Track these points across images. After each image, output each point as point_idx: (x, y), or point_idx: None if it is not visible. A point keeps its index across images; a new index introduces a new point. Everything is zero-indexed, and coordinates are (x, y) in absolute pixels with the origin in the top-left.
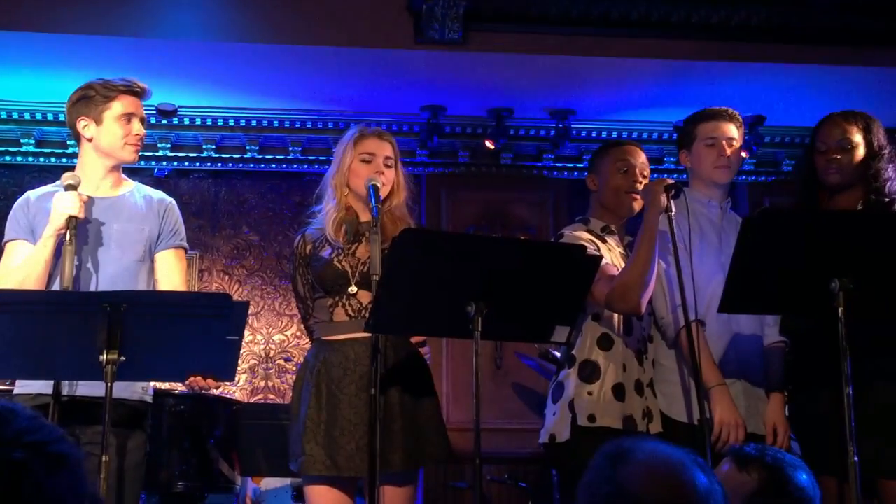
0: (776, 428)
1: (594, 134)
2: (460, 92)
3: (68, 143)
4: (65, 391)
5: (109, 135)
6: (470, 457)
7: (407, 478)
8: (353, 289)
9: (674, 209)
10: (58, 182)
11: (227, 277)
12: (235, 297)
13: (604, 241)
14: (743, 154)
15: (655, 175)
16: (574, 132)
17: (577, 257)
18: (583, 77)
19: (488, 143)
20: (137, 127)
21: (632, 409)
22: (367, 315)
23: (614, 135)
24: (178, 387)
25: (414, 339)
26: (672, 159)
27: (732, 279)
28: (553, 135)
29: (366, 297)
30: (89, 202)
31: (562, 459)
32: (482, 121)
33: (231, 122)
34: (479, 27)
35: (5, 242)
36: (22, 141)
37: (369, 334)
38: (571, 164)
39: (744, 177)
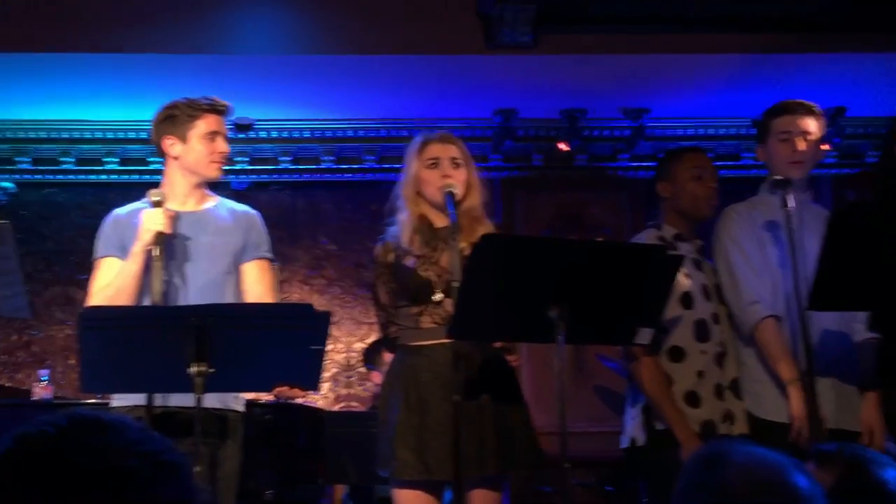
0: (872, 429)
1: (669, 132)
2: (532, 95)
3: (149, 160)
4: (158, 403)
5: (195, 153)
6: (555, 461)
7: (497, 482)
8: (438, 297)
9: (792, 203)
10: (145, 199)
11: (306, 287)
12: (316, 307)
13: (675, 249)
14: (824, 147)
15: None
16: (649, 131)
17: (658, 257)
18: (657, 75)
19: (562, 146)
20: (221, 144)
21: (710, 414)
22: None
23: (690, 132)
24: (264, 396)
25: (498, 344)
26: (750, 155)
27: (821, 276)
28: (628, 134)
29: (452, 305)
30: (176, 217)
31: (643, 464)
32: (555, 123)
33: (307, 134)
34: (549, 29)
35: (96, 259)
36: (105, 160)
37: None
38: (647, 164)
39: (826, 169)
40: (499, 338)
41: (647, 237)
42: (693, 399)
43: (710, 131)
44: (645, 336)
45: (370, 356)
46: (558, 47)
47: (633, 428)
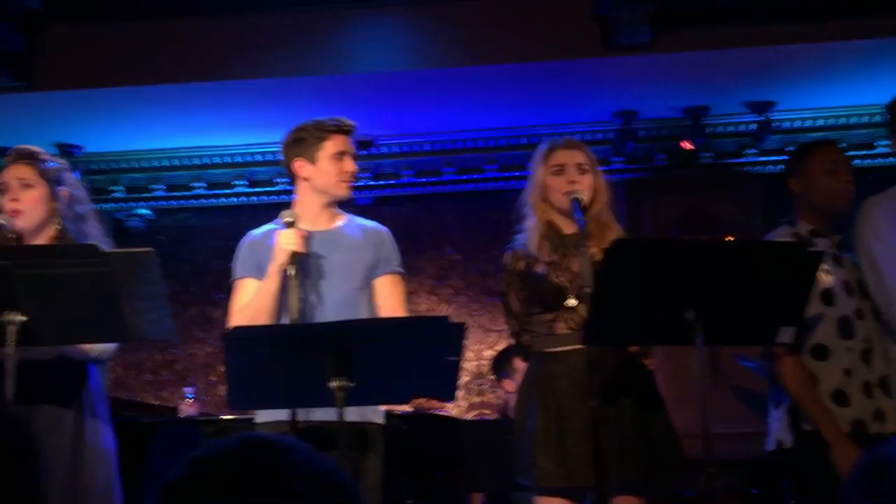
0: None
1: (797, 124)
2: (652, 94)
3: (276, 181)
4: (301, 418)
5: (324, 173)
6: (697, 464)
7: (640, 487)
8: (571, 302)
9: None
10: (278, 220)
11: (433, 298)
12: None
13: (812, 245)
14: None
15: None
16: (776, 124)
17: (798, 254)
18: (782, 66)
19: (685, 144)
20: (349, 164)
21: (860, 413)
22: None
23: (820, 122)
24: (400, 407)
25: (633, 348)
26: (885, 143)
27: None
28: (754, 129)
29: (585, 310)
30: (309, 237)
31: (790, 466)
32: (677, 122)
33: (427, 147)
34: (668, 27)
35: (235, 280)
36: (234, 182)
37: None
38: (775, 158)
39: None
40: (635, 342)
41: (781, 235)
42: (841, 398)
43: (841, 121)
44: (787, 335)
45: (500, 364)
46: (678, 45)
47: (778, 430)
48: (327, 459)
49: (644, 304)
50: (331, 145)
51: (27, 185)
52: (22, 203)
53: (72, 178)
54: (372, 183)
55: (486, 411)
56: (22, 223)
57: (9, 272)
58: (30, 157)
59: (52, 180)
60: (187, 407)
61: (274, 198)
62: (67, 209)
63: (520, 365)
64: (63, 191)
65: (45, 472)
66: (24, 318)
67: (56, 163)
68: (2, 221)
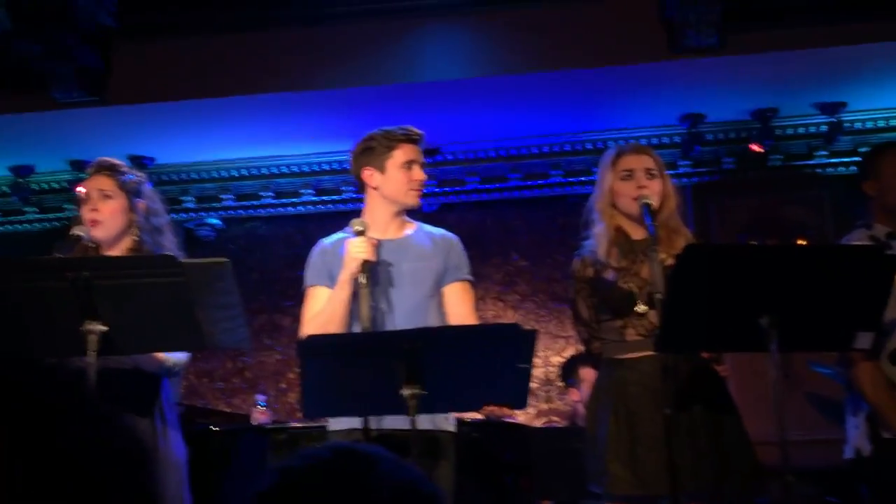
0: None
1: (869, 125)
2: (720, 97)
3: (342, 189)
4: (373, 425)
5: (393, 182)
6: (772, 471)
7: (714, 495)
8: (641, 308)
9: None
10: (348, 228)
11: (500, 304)
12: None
13: (889, 248)
14: None
15: None
16: (847, 125)
17: (874, 258)
18: (852, 66)
19: (754, 147)
20: (418, 172)
21: None
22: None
23: (892, 123)
24: (470, 414)
25: (706, 354)
26: None
27: None
28: (824, 130)
29: (656, 317)
30: (379, 245)
31: (869, 474)
32: (745, 124)
33: (492, 154)
34: (735, 29)
35: (306, 288)
36: (302, 191)
37: None
38: (847, 160)
39: None
40: (707, 348)
41: (857, 237)
42: None
43: None
44: (865, 340)
45: (568, 372)
46: (745, 46)
47: (856, 437)
48: (416, 469)
49: (717, 310)
50: (400, 154)
51: (106, 196)
52: (101, 213)
53: (150, 190)
54: (437, 190)
55: (555, 418)
56: (100, 233)
57: (89, 283)
58: (110, 169)
59: (131, 192)
60: (259, 415)
61: (341, 206)
62: (144, 221)
63: (585, 374)
64: (141, 203)
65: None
66: (103, 328)
67: (135, 175)
68: (80, 233)
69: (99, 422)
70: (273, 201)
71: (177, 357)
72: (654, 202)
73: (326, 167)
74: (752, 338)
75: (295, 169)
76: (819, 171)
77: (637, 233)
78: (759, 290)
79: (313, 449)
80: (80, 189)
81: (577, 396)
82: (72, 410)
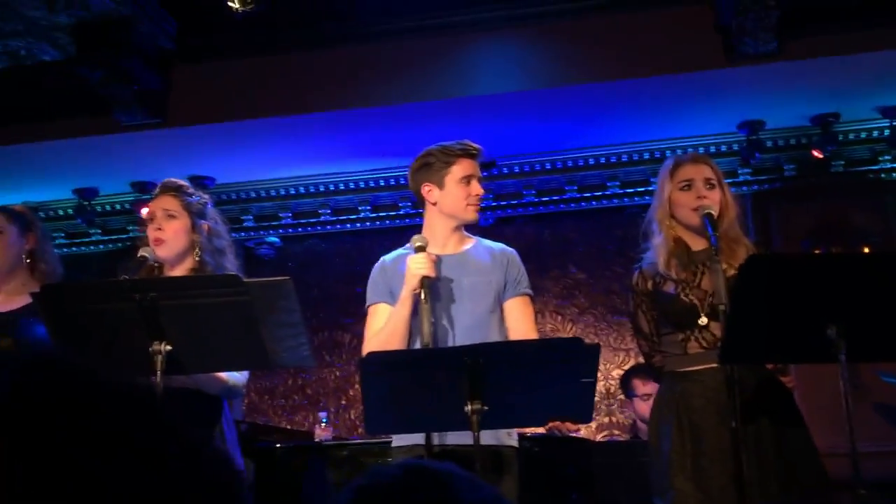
0: None
1: None
2: (779, 103)
3: (400, 205)
4: (436, 441)
5: (452, 197)
6: (841, 484)
7: None
8: (703, 321)
9: None
10: (408, 245)
11: (559, 318)
12: (585, 341)
13: None
14: None
15: None
16: None
17: None
18: None
19: (815, 153)
20: (476, 187)
21: None
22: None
23: None
24: (532, 429)
25: (770, 366)
26: None
27: None
28: (888, 135)
29: (718, 328)
30: (438, 261)
31: None
32: (805, 130)
33: (548, 166)
34: (794, 34)
35: (368, 306)
36: (359, 208)
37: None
38: None
39: None
40: (773, 360)
41: None
42: None
43: None
44: None
45: (626, 384)
46: (805, 51)
47: None
48: (490, 487)
49: (782, 321)
50: (458, 170)
51: (171, 216)
52: (165, 233)
53: (214, 212)
54: (493, 204)
55: (616, 432)
56: (163, 252)
57: (156, 303)
58: (176, 190)
59: (195, 213)
60: (322, 431)
61: (398, 222)
62: (207, 242)
63: (640, 386)
64: (204, 224)
65: None
66: (169, 348)
67: (200, 196)
68: (145, 254)
69: (200, 454)
70: (331, 218)
71: (236, 378)
72: (716, 212)
73: (383, 183)
74: (820, 348)
75: (352, 185)
76: (883, 176)
77: (697, 244)
78: (826, 299)
79: (384, 467)
80: (145, 209)
81: (640, 408)
82: (169, 442)
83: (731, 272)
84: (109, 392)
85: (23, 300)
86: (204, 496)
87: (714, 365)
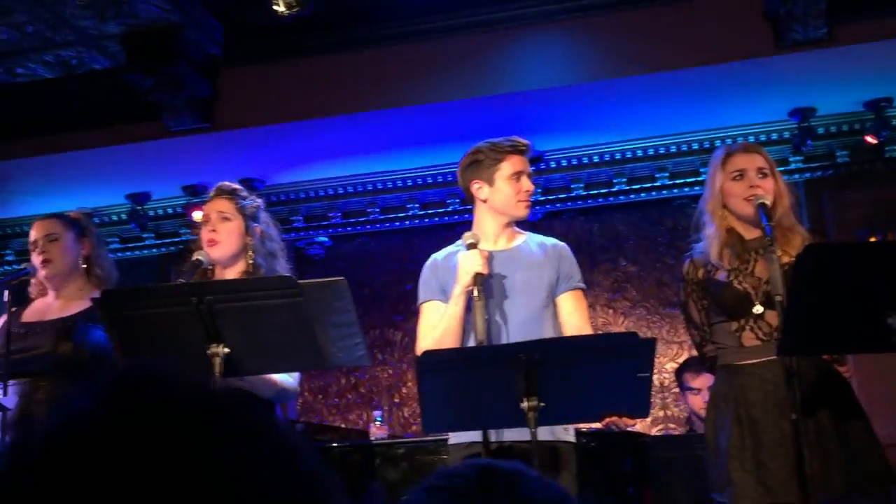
0: None
1: None
2: (830, 90)
3: (448, 202)
4: (493, 438)
5: (502, 194)
6: None
7: (846, 502)
8: (758, 309)
9: None
10: (459, 242)
11: (610, 311)
12: (622, 331)
13: None
14: None
15: None
16: None
17: None
18: None
19: (869, 139)
20: (526, 183)
21: None
22: (778, 336)
23: None
24: (587, 424)
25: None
26: None
27: None
28: None
29: (773, 318)
30: (490, 257)
31: None
32: (858, 116)
33: (596, 159)
34: (844, 19)
35: (421, 304)
36: (407, 206)
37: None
38: None
39: None
40: (832, 350)
41: None
42: None
43: None
44: None
45: (678, 378)
46: (856, 36)
47: None
48: (559, 486)
49: (841, 311)
50: (507, 166)
51: (225, 218)
52: (219, 234)
53: (266, 216)
54: (542, 198)
55: (671, 425)
56: (216, 254)
57: (213, 306)
58: (231, 193)
59: (249, 216)
60: (377, 430)
61: (446, 219)
62: (259, 245)
63: (692, 379)
64: (257, 227)
65: None
66: (227, 350)
67: (253, 200)
68: (200, 258)
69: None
70: (380, 216)
71: (288, 382)
72: (769, 201)
73: (431, 180)
74: (879, 337)
75: (400, 183)
76: None
77: (750, 233)
78: (885, 288)
79: (454, 467)
80: (197, 212)
81: (694, 402)
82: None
83: (787, 259)
84: (219, 400)
85: (80, 305)
86: (309, 494)
87: (772, 357)
